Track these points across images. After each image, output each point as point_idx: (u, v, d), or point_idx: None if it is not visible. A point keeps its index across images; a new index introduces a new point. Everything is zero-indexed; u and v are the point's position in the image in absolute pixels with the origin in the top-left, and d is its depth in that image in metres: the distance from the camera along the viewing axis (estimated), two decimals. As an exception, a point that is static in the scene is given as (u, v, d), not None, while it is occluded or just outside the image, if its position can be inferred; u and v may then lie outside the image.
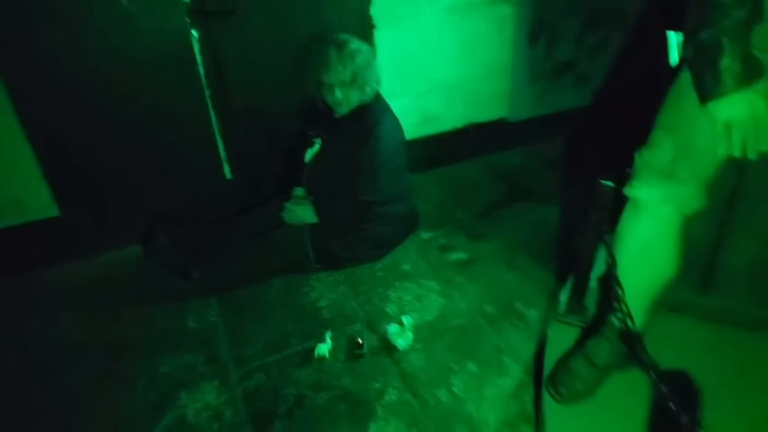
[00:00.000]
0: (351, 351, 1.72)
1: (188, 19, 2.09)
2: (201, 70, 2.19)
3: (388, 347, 1.73)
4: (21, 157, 2.03)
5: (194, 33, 2.13)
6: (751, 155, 0.97)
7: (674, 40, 1.24)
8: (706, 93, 0.96)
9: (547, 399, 1.35)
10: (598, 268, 1.50)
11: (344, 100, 1.98)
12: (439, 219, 2.47)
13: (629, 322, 1.05)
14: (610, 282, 1.22)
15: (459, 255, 2.22)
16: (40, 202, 2.13)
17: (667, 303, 1.50)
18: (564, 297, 1.62)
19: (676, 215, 1.16)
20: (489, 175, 2.88)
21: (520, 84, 3.00)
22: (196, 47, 2.15)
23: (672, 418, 0.90)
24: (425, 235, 2.35)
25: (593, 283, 1.57)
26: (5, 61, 1.89)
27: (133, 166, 2.24)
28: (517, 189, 2.73)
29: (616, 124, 1.54)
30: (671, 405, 0.84)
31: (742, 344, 1.47)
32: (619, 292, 1.15)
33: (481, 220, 2.47)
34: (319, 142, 2.14)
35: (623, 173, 1.22)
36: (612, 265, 1.18)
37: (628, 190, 1.20)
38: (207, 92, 2.24)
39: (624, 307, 1.09)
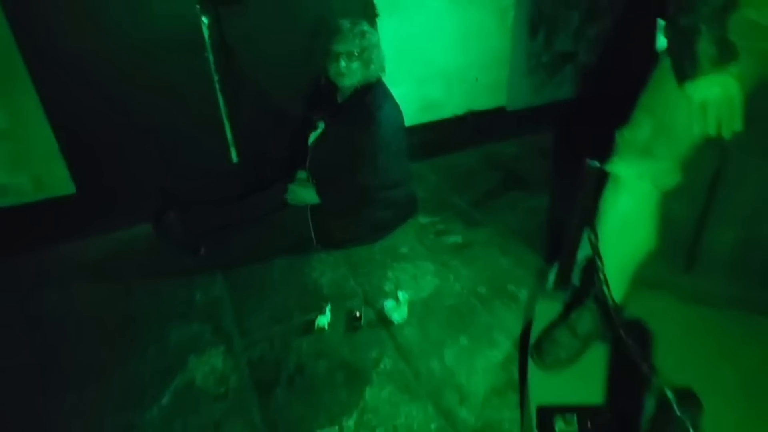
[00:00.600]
0: (349, 323, 1.81)
1: (198, 6, 2.17)
2: (210, 56, 2.27)
3: (384, 321, 1.82)
4: (42, 137, 2.13)
5: (204, 20, 2.21)
6: (726, 134, 1.04)
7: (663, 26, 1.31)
8: (683, 74, 1.04)
9: (532, 367, 1.43)
10: (584, 247, 1.58)
11: (347, 71, 2.06)
12: (437, 205, 2.55)
13: (606, 289, 1.14)
14: (592, 256, 1.29)
15: (455, 239, 2.30)
16: (58, 180, 2.22)
17: (650, 282, 1.57)
18: (552, 275, 1.70)
19: (653, 191, 1.24)
20: (485, 163, 2.96)
21: (519, 74, 3.06)
22: (206, 33, 2.23)
23: (632, 367, 0.96)
24: (423, 219, 2.43)
25: (580, 261, 1.65)
26: (29, 44, 1.98)
27: (144, 148, 2.33)
28: (513, 178, 2.80)
29: (605, 110, 1.61)
30: (635, 357, 0.91)
31: (722, 323, 1.54)
32: (599, 263, 1.23)
33: (477, 207, 2.55)
34: (322, 126, 2.22)
35: (607, 154, 1.30)
36: (594, 238, 1.26)
37: (608, 166, 1.28)
38: (215, 77, 2.32)
39: (603, 276, 1.17)
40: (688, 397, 0.76)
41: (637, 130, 1.21)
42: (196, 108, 2.34)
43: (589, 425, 1.24)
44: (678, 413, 0.74)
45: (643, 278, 1.42)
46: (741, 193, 1.53)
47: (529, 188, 2.69)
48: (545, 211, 2.49)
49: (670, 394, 0.75)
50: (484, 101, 3.05)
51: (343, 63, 2.05)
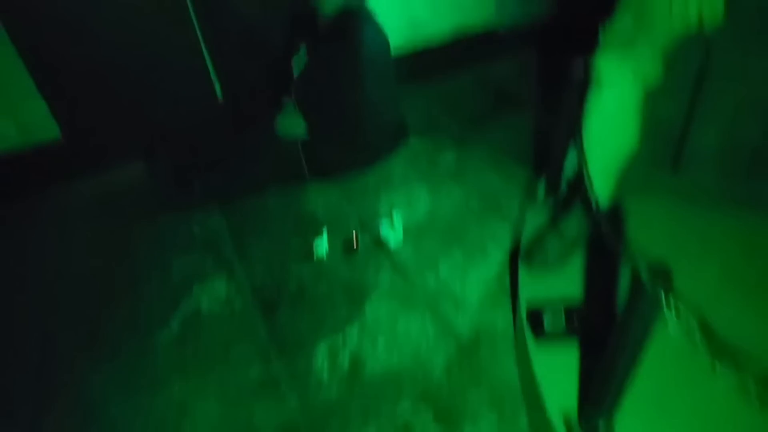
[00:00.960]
0: (346, 247, 1.86)
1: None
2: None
3: (380, 242, 1.87)
4: (20, 82, 2.08)
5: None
6: (707, 24, 1.03)
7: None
8: None
9: (522, 271, 1.49)
10: (572, 156, 1.59)
11: None
12: (428, 128, 2.53)
13: (589, 189, 1.16)
14: (578, 161, 1.31)
15: (447, 161, 2.31)
16: (42, 124, 2.20)
17: (638, 183, 1.60)
18: (541, 186, 1.73)
19: (635, 85, 1.24)
20: (475, 84, 2.90)
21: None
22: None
23: (608, 249, 0.99)
24: (414, 143, 2.43)
25: (567, 171, 1.67)
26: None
27: (130, 89, 2.30)
28: (504, 97, 2.76)
29: (593, 23, 1.58)
30: (612, 241, 0.96)
31: (707, 219, 1.57)
32: (584, 164, 1.25)
33: (468, 127, 2.53)
34: (305, 51, 2.17)
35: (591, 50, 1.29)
36: (579, 139, 1.27)
37: (593, 60, 1.27)
38: (191, 7, 2.24)
39: (587, 177, 1.19)
40: (659, 270, 0.80)
41: (620, 23, 1.20)
42: (177, 46, 2.28)
43: (575, 319, 1.32)
44: (648, 285, 0.78)
45: (631, 179, 1.45)
46: (726, 88, 1.52)
47: (520, 106, 2.66)
48: (535, 126, 2.48)
49: (642, 267, 0.79)
50: (472, 19, 2.94)
51: None
